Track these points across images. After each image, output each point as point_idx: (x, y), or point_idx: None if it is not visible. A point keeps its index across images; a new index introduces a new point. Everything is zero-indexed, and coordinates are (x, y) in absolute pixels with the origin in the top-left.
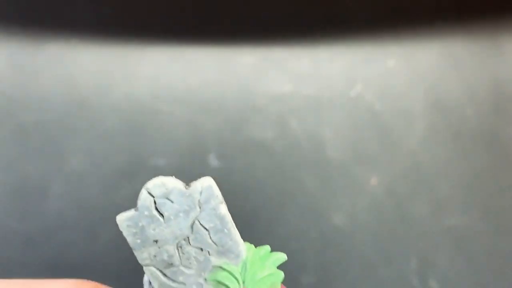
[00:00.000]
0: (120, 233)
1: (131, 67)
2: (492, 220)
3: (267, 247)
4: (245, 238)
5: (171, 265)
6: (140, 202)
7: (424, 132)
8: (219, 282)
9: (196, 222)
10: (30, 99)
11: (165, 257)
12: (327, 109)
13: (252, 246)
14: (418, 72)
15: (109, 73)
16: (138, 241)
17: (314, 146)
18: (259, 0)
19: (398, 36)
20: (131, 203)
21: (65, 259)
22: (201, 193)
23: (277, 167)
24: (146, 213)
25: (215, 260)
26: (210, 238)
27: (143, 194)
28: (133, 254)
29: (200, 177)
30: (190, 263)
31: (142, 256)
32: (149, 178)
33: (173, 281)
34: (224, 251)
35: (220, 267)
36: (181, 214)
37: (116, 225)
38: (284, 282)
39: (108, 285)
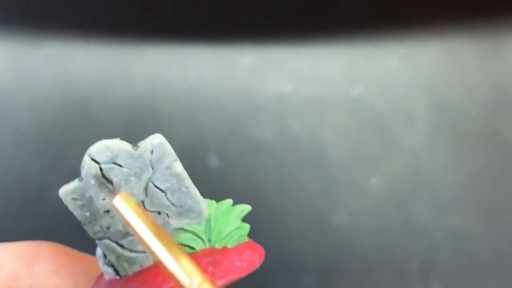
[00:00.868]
0: None
1: (131, 67)
2: (493, 221)
3: (229, 201)
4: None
5: (127, 234)
6: (84, 171)
7: (425, 132)
8: (183, 245)
9: (150, 184)
10: (29, 99)
11: (120, 226)
12: (327, 109)
13: (213, 202)
14: (419, 72)
15: (109, 73)
16: (87, 214)
17: (314, 146)
18: (259, 0)
19: (399, 35)
20: None
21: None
22: (152, 152)
23: (277, 167)
24: (92, 182)
25: (175, 223)
26: (168, 199)
27: (87, 161)
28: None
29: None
30: None
31: (94, 229)
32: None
33: (131, 251)
34: (184, 211)
35: (182, 229)
36: (132, 178)
37: None
38: (284, 282)
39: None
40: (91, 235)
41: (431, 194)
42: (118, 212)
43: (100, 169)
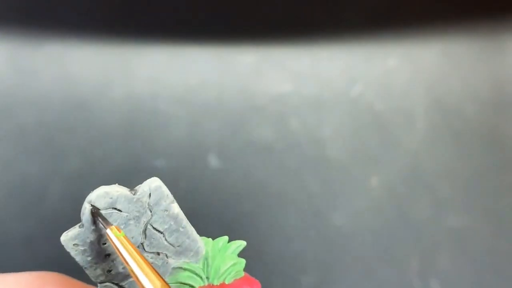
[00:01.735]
0: None
1: (130, 67)
2: (493, 220)
3: (225, 238)
4: (244, 238)
5: (128, 276)
6: (84, 217)
7: (425, 132)
8: (182, 283)
9: (149, 226)
10: (29, 99)
11: (121, 269)
12: (327, 109)
13: (210, 240)
14: (419, 72)
15: (109, 73)
16: (89, 258)
17: (314, 146)
18: (259, 0)
19: (398, 35)
20: None
21: (65, 259)
22: (150, 195)
23: (277, 167)
24: (93, 227)
25: (173, 262)
26: (166, 240)
27: (87, 208)
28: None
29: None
30: None
31: (95, 273)
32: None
33: None
34: (182, 250)
35: (181, 268)
36: (131, 222)
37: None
38: (284, 282)
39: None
40: (93, 279)
41: (431, 194)
42: (110, 241)
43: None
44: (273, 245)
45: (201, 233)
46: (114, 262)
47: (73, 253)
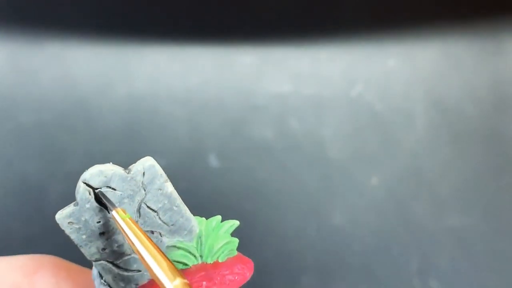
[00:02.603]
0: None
1: (130, 67)
2: (493, 220)
3: (218, 217)
4: (245, 238)
5: (122, 254)
6: (79, 196)
7: (425, 132)
8: (176, 261)
9: (143, 205)
10: (29, 99)
11: (115, 247)
12: (327, 109)
13: (203, 219)
14: (419, 72)
15: (109, 73)
16: (84, 236)
17: (314, 146)
18: (259, 0)
19: (398, 35)
20: None
21: (65, 258)
22: (143, 174)
23: (277, 167)
24: (87, 206)
25: (168, 241)
26: (160, 218)
27: (81, 187)
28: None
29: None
30: None
31: (90, 251)
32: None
33: (127, 270)
34: (176, 229)
35: (175, 246)
36: (125, 200)
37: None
38: (284, 282)
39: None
40: (88, 257)
41: (431, 194)
42: (116, 223)
43: (94, 193)
44: (273, 245)
45: None
46: (109, 240)
47: (68, 231)
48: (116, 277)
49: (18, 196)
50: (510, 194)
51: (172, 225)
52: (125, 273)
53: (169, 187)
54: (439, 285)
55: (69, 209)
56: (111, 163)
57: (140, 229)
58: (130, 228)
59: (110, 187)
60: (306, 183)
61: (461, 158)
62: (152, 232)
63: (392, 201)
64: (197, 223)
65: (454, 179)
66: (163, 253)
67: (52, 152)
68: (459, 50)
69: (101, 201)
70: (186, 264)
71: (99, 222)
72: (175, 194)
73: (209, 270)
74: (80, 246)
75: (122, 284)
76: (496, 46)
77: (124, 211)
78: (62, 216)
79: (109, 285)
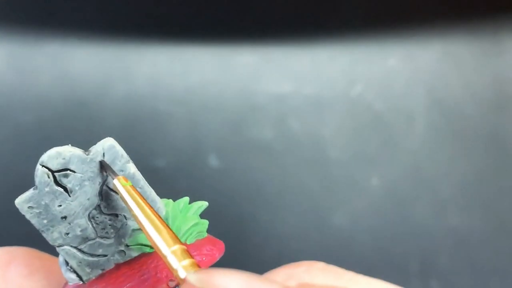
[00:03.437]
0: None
1: (130, 67)
2: (493, 220)
3: (186, 199)
4: (244, 238)
5: (86, 239)
6: (37, 179)
7: (425, 131)
8: (143, 245)
9: (105, 187)
10: (29, 99)
11: (78, 232)
12: (327, 109)
13: (170, 201)
14: (419, 72)
15: (109, 73)
16: (45, 221)
17: (314, 146)
18: (259, 0)
19: (399, 35)
20: None
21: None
22: (103, 155)
23: (277, 167)
24: (46, 189)
25: (133, 224)
26: None
27: (39, 170)
28: None
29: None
30: (107, 232)
31: (52, 236)
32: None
33: (92, 255)
34: None
35: (140, 229)
36: (86, 183)
37: None
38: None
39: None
40: (51, 242)
41: (431, 194)
42: (118, 192)
43: (54, 176)
44: (273, 245)
45: None
46: (71, 224)
47: (28, 215)
48: (81, 262)
49: (18, 196)
50: (510, 194)
51: None
52: (90, 258)
53: (132, 168)
54: (439, 285)
55: (28, 193)
56: (69, 144)
57: (142, 198)
58: (131, 196)
59: (69, 169)
60: (306, 183)
61: (461, 158)
62: (117, 216)
63: (392, 201)
64: (163, 204)
65: (454, 179)
66: (163, 221)
67: None
68: (459, 50)
69: (105, 171)
70: (152, 247)
71: (60, 206)
72: (138, 175)
73: None
74: (42, 231)
75: (88, 270)
76: (496, 46)
77: (125, 179)
78: (21, 201)
79: (75, 271)
